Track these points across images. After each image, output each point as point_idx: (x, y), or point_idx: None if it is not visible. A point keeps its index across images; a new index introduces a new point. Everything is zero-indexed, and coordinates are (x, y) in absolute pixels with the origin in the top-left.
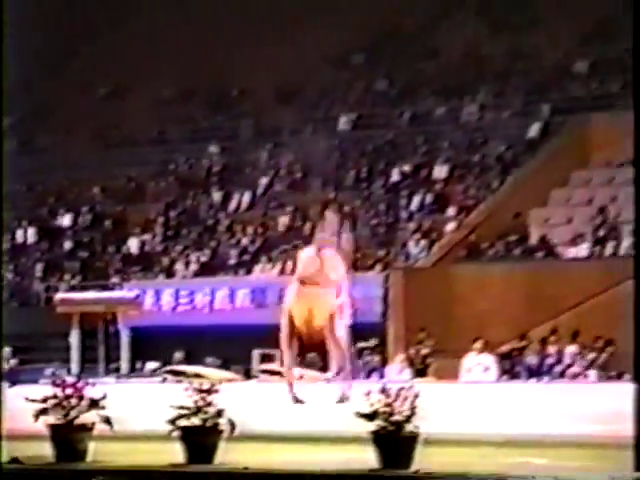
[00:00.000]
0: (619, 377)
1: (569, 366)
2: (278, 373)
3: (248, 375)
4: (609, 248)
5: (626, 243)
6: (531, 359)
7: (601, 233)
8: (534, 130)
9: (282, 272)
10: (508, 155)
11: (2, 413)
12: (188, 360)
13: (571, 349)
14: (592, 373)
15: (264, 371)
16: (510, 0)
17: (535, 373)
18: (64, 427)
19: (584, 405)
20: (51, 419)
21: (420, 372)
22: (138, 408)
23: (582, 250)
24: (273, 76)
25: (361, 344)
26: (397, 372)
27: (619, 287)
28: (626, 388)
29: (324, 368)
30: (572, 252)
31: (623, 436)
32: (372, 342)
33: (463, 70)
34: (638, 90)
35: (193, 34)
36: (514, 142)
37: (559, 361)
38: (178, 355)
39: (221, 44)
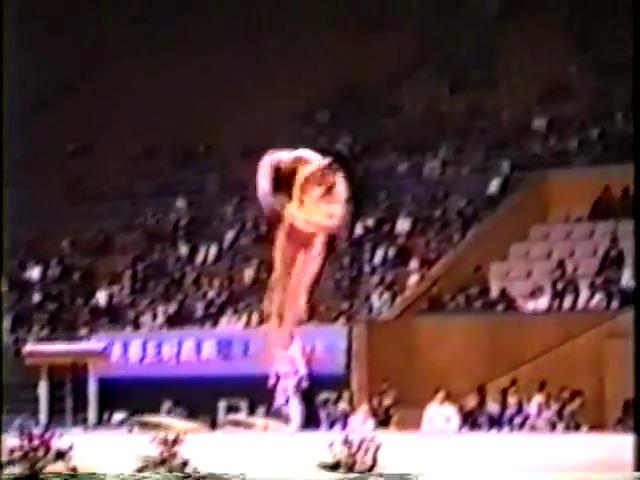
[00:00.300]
0: (577, 428)
1: (527, 417)
2: (244, 424)
3: (214, 426)
4: (567, 301)
5: (584, 296)
6: (492, 410)
7: (559, 287)
8: (494, 185)
9: (248, 324)
10: (469, 210)
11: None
12: (155, 411)
13: (537, 399)
14: (559, 424)
15: (230, 422)
16: (469, 59)
17: (496, 424)
18: (30, 478)
19: (548, 455)
20: (18, 470)
21: (383, 423)
22: (105, 458)
23: (541, 303)
24: (239, 132)
25: (325, 395)
26: (360, 423)
27: (577, 340)
28: (592, 439)
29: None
30: (531, 305)
31: None
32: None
33: (424, 127)
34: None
35: (160, 90)
36: (474, 197)
37: (520, 412)
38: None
39: (188, 100)
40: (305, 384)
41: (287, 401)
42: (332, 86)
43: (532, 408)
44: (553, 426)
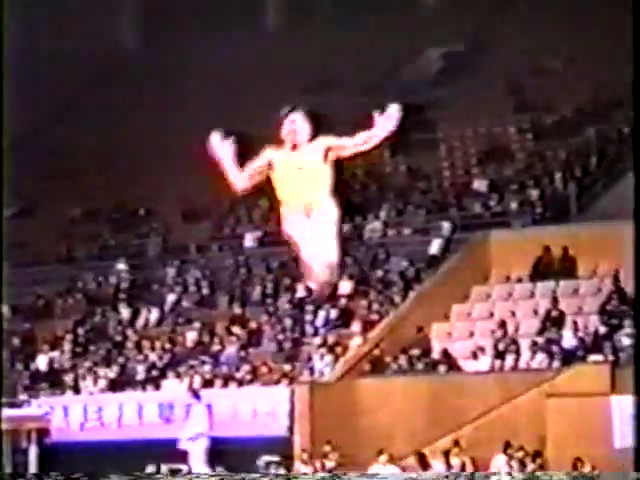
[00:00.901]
0: None
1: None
2: None
3: None
4: (509, 361)
5: (525, 356)
6: (436, 471)
7: (501, 347)
8: (435, 246)
9: (190, 387)
10: (410, 271)
11: None
12: (96, 476)
13: (500, 459)
14: None
15: None
16: (409, 122)
17: None
18: None
19: None
20: None
21: None
22: None
23: (483, 363)
24: (180, 195)
25: (267, 458)
26: None
27: (519, 399)
28: None
29: None
30: (473, 365)
31: None
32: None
33: (365, 188)
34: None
35: (100, 153)
36: (416, 258)
37: (463, 470)
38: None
39: (128, 163)
40: (207, 444)
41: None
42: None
43: (492, 469)
44: None
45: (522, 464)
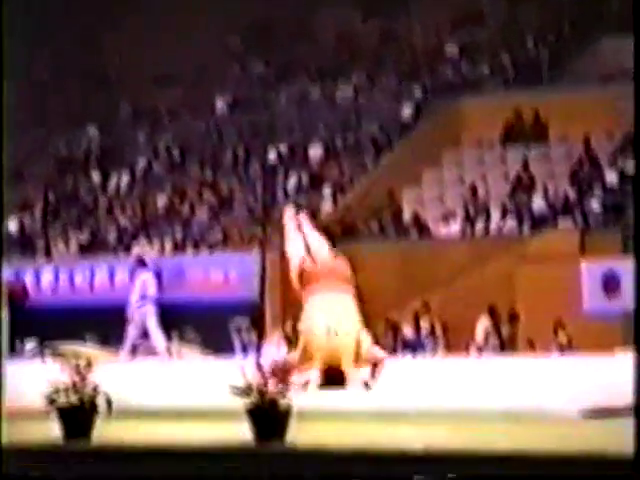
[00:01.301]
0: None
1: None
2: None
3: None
4: (480, 226)
5: (495, 221)
6: (405, 335)
7: (472, 211)
8: (407, 111)
9: (161, 251)
10: (381, 136)
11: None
12: (69, 338)
13: (484, 324)
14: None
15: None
16: None
17: (410, 348)
18: None
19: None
20: None
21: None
22: (16, 386)
23: (454, 228)
24: (150, 60)
25: (238, 321)
26: (274, 349)
27: (489, 263)
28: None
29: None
30: (444, 230)
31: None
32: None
33: (337, 53)
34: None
35: (71, 17)
36: (387, 123)
37: (433, 336)
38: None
39: (97, 27)
40: (155, 310)
41: (145, 329)
42: (243, 12)
43: (478, 332)
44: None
45: (497, 329)
